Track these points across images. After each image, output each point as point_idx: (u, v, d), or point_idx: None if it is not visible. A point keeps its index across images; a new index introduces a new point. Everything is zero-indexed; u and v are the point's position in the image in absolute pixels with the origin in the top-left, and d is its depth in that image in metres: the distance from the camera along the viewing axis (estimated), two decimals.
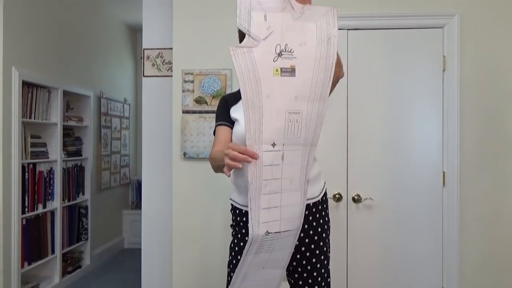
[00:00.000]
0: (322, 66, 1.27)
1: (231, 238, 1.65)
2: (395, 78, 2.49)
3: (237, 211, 1.61)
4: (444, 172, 2.46)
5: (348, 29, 2.48)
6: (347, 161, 2.49)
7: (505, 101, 2.44)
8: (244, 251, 1.26)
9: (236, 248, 1.58)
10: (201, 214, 2.57)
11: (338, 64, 1.36)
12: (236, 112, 1.58)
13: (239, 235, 1.58)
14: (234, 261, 1.57)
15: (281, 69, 1.25)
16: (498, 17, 2.43)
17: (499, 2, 2.44)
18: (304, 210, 1.32)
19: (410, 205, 2.48)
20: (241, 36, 1.58)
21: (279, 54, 1.26)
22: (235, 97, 1.63)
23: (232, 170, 1.41)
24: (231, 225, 1.67)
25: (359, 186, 2.49)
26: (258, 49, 1.25)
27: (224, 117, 1.61)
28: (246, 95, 1.22)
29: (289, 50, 1.26)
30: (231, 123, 1.59)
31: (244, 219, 1.58)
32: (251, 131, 1.24)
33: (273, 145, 1.25)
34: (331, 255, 1.64)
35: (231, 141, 1.56)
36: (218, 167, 1.51)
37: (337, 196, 2.47)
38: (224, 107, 1.63)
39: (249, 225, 1.25)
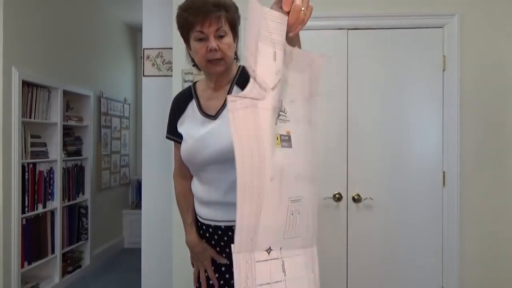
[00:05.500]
0: (310, 135, 0.93)
1: None
2: (395, 78, 2.49)
3: (204, 227, 1.36)
4: (444, 172, 2.46)
5: (348, 29, 2.48)
6: (347, 161, 2.49)
7: (505, 101, 2.44)
8: None
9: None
10: None
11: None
12: (181, 126, 1.37)
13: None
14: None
15: (280, 136, 0.86)
16: (498, 17, 2.43)
17: (499, 2, 2.44)
18: None
19: (410, 205, 2.48)
20: (181, 29, 1.22)
21: (278, 115, 0.87)
22: (184, 103, 1.38)
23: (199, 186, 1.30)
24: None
25: (359, 186, 2.49)
26: (264, 103, 0.81)
27: (171, 130, 1.41)
28: (243, 177, 0.78)
29: (283, 110, 0.89)
30: (179, 136, 1.37)
31: (211, 232, 1.34)
32: (242, 231, 0.81)
33: (269, 250, 0.86)
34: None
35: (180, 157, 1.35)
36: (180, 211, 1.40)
37: (337, 196, 2.47)
38: (172, 116, 1.42)
39: None
